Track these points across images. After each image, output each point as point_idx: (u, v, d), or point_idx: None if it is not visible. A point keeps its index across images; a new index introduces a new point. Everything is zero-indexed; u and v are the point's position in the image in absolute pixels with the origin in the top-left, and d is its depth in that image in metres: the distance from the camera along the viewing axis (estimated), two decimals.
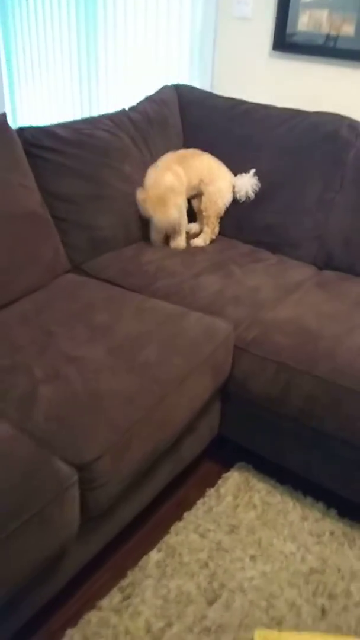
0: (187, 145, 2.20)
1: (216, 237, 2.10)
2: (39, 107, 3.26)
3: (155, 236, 2.01)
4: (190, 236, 2.09)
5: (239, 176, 2.07)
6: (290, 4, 2.52)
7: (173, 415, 1.39)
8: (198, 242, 2.07)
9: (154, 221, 1.93)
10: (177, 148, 2.18)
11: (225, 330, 1.57)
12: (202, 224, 2.11)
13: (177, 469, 1.59)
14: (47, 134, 1.81)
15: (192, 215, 2.14)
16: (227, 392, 1.64)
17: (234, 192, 2.08)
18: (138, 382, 1.35)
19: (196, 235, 2.11)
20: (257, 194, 2.06)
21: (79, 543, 1.29)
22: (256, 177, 2.04)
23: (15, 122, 3.37)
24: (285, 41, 2.55)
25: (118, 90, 2.91)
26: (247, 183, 2.04)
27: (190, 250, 2.02)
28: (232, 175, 2.09)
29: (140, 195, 1.93)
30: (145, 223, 2.00)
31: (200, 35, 2.62)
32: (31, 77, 3.22)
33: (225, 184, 2.06)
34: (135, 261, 1.90)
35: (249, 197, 2.06)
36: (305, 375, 1.47)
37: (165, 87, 2.30)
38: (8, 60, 3.27)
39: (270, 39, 2.55)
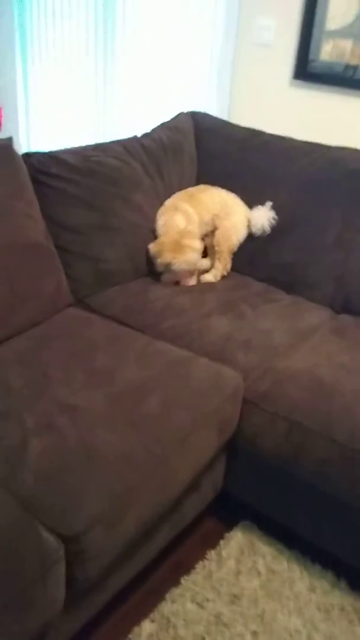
0: (201, 174, 2.11)
1: (228, 273, 1.99)
2: (54, 132, 3.19)
3: (167, 278, 1.90)
4: (200, 272, 1.99)
5: (255, 209, 1.97)
6: (314, 32, 2.44)
7: (174, 477, 1.27)
8: (208, 278, 1.97)
9: (173, 268, 1.83)
10: (191, 177, 2.09)
11: (234, 381, 1.45)
12: (213, 259, 2.01)
13: (176, 530, 1.46)
14: (54, 161, 1.72)
15: (203, 249, 2.04)
16: (234, 446, 1.52)
17: (249, 227, 1.97)
18: (137, 438, 1.23)
19: (207, 270, 2.00)
20: (273, 229, 1.95)
21: (63, 617, 1.16)
22: (273, 211, 1.94)
23: (30, 146, 3.30)
24: (307, 70, 2.47)
25: (135, 116, 2.83)
26: (263, 216, 1.94)
27: (200, 286, 1.92)
28: (247, 209, 1.99)
29: (153, 248, 1.84)
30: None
31: (219, 61, 2.54)
32: (47, 101, 3.15)
33: (240, 219, 1.96)
34: (141, 297, 1.80)
35: (264, 232, 1.95)
36: (320, 437, 1.35)
37: (181, 114, 2.21)
38: (25, 85, 3.20)
39: (291, 68, 2.47)
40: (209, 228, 1.98)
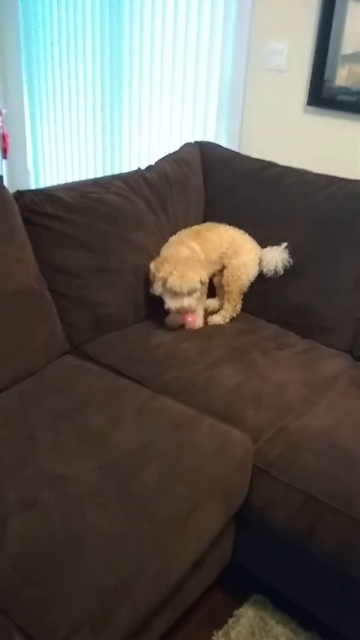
0: (209, 210, 1.98)
1: (237, 314, 1.85)
2: (61, 167, 3.11)
3: (172, 320, 1.76)
4: (207, 313, 1.85)
5: (267, 249, 1.83)
6: (329, 57, 2.33)
7: (174, 564, 1.12)
8: (216, 319, 1.83)
9: (170, 285, 1.64)
10: (198, 213, 1.96)
11: (242, 446, 1.30)
12: (222, 299, 1.87)
13: (177, 613, 1.30)
14: (49, 199, 1.61)
15: (211, 289, 1.90)
16: (243, 517, 1.36)
17: (260, 266, 1.84)
18: (131, 519, 1.09)
19: (215, 312, 1.87)
20: (286, 267, 1.81)
21: None
22: (287, 252, 1.80)
23: (38, 181, 3.23)
24: (322, 96, 2.36)
25: (142, 146, 2.73)
26: (277, 257, 1.80)
27: (207, 330, 1.78)
28: (258, 247, 1.85)
29: (153, 264, 1.70)
30: (156, 298, 1.76)
31: (230, 88, 2.44)
32: (54, 136, 3.08)
33: (251, 257, 1.82)
34: (143, 344, 1.66)
35: (277, 273, 1.81)
36: (339, 514, 1.19)
37: (187, 145, 2.10)
38: (33, 120, 3.13)
39: (305, 94, 2.35)
40: (217, 267, 1.84)
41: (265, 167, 1.96)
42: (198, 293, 1.71)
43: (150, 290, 1.70)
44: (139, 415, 1.35)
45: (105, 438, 1.27)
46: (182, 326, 1.77)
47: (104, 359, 1.61)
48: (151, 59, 2.57)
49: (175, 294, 1.65)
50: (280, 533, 1.28)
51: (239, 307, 1.85)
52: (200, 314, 1.80)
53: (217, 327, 1.80)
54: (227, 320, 1.83)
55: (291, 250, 1.80)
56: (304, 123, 2.28)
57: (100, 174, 1.83)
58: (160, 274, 1.65)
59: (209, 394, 1.47)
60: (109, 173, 2.24)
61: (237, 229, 1.87)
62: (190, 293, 1.66)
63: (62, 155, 3.06)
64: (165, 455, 1.23)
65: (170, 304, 1.68)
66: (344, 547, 1.19)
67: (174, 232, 1.86)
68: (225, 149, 2.13)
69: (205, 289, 1.81)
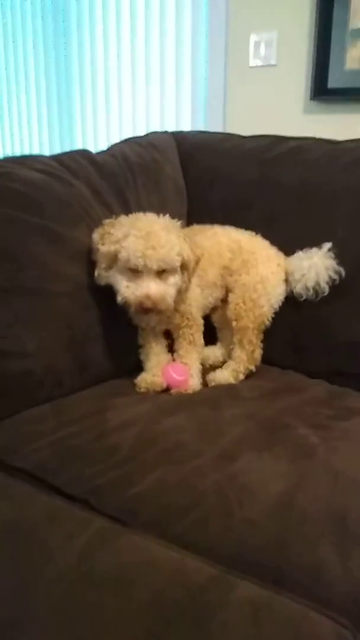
0: (195, 207, 1.28)
1: (256, 367, 1.10)
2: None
3: (147, 377, 1.03)
4: (206, 369, 1.09)
5: (298, 255, 1.12)
6: (333, 36, 1.79)
7: None
8: (223, 377, 1.07)
9: (128, 252, 0.91)
10: (177, 212, 1.25)
11: None
12: (228, 345, 1.13)
13: None
14: None
15: (209, 333, 1.15)
16: None
17: (287, 284, 1.11)
18: None
19: (219, 366, 1.11)
20: (333, 288, 1.09)
21: None
22: (333, 256, 1.08)
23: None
24: (328, 86, 1.79)
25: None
26: (317, 267, 1.08)
27: (208, 394, 1.01)
28: (281, 255, 1.14)
29: (98, 230, 0.98)
30: (118, 340, 1.00)
31: (206, 90, 1.94)
32: None
33: (271, 271, 1.09)
34: (92, 425, 0.88)
35: (319, 292, 1.09)
36: None
37: (155, 133, 1.43)
38: None
39: (306, 86, 1.81)
40: (217, 293, 1.11)
41: (275, 143, 1.28)
42: (177, 278, 0.96)
43: (96, 277, 0.96)
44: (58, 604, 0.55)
45: None
46: (167, 390, 1.01)
47: (15, 457, 0.81)
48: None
49: (135, 272, 0.92)
50: None
51: (258, 354, 1.09)
52: (195, 368, 1.05)
53: (226, 389, 1.04)
54: (242, 376, 1.08)
55: (337, 257, 1.09)
56: (307, 123, 1.85)
57: None
58: (112, 238, 0.93)
59: (234, 522, 0.67)
60: None
61: (242, 230, 1.16)
62: (163, 272, 0.93)
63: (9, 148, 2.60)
64: None
65: (125, 291, 0.93)
66: None
67: None
68: (211, 132, 1.47)
69: (198, 316, 1.07)
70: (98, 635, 0.51)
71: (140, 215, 0.99)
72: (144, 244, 0.89)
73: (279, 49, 1.90)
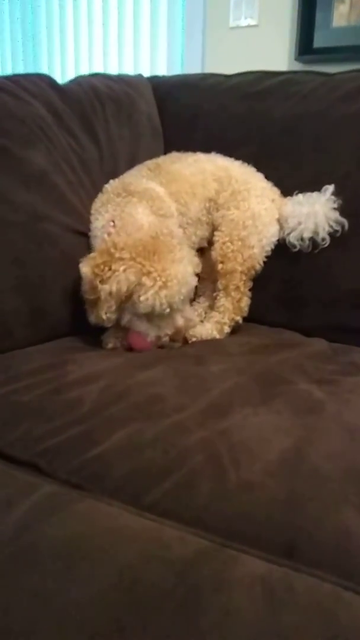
0: (172, 148, 1.12)
1: (243, 319, 0.94)
2: None
3: (111, 338, 0.85)
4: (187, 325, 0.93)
5: (295, 199, 0.96)
6: None
7: None
8: (204, 331, 0.91)
9: (146, 304, 0.77)
10: (152, 150, 1.09)
11: None
12: (210, 295, 0.97)
13: None
14: None
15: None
16: None
17: (284, 228, 0.96)
18: None
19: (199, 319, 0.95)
20: (334, 233, 0.94)
21: None
22: (335, 201, 0.93)
23: None
24: (314, 45, 1.66)
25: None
26: (317, 216, 0.93)
27: (189, 351, 0.85)
28: (277, 192, 0.99)
29: (89, 264, 0.79)
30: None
31: (184, 55, 1.82)
32: None
33: (264, 207, 0.94)
34: (49, 376, 0.71)
35: (319, 241, 0.94)
36: None
37: (125, 75, 1.26)
38: None
39: (290, 46, 1.68)
40: (202, 231, 0.96)
41: (263, 77, 1.13)
42: (191, 291, 0.83)
43: (90, 318, 0.80)
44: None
45: None
46: (130, 349, 0.84)
47: None
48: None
49: (158, 316, 0.79)
50: None
51: (245, 303, 0.93)
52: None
53: (210, 344, 0.88)
54: (227, 329, 0.92)
55: (341, 192, 0.94)
56: None
57: None
58: (115, 286, 0.76)
59: (228, 485, 0.51)
60: None
61: (231, 159, 1.01)
62: (184, 301, 0.81)
63: None
64: None
65: (150, 331, 0.81)
66: None
67: (111, 173, 0.97)
68: (190, 73, 1.32)
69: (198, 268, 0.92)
70: (41, 629, 0.34)
71: (128, 225, 0.82)
72: (166, 292, 0.76)
73: (261, 8, 1.77)
